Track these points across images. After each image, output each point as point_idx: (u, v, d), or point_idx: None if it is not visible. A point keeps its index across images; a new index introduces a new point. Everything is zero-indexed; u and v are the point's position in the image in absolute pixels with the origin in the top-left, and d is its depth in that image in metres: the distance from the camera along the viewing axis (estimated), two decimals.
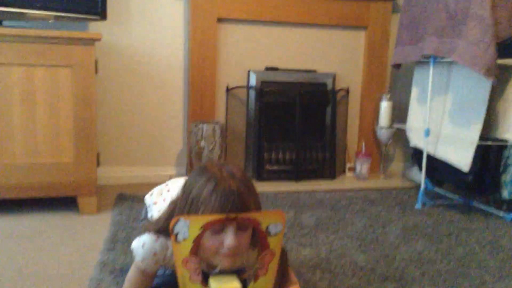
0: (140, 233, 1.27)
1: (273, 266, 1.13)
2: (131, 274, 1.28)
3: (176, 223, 1.02)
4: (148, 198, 1.51)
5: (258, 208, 1.11)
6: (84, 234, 2.01)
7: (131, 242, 1.85)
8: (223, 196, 1.04)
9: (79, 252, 1.83)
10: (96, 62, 2.18)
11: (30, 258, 1.76)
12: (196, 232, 1.03)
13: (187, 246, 1.05)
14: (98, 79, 2.46)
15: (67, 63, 2.09)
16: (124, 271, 1.64)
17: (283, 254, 1.29)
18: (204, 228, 1.03)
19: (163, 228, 1.18)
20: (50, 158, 2.13)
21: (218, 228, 1.06)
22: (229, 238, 1.05)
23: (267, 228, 1.07)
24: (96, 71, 2.20)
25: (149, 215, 1.47)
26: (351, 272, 1.73)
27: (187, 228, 1.02)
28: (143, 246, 1.21)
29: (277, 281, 1.27)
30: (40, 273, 1.64)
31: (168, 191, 1.44)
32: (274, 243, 1.10)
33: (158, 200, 1.44)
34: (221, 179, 1.07)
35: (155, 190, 1.51)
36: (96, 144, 2.21)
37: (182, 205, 1.11)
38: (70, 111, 2.13)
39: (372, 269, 1.76)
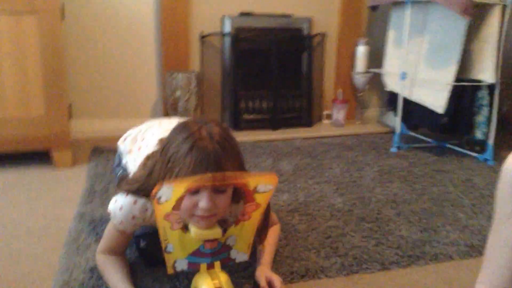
0: (116, 190, 1.24)
1: (256, 214, 1.12)
2: (109, 233, 1.26)
3: (159, 189, 0.99)
4: (122, 145, 1.47)
5: (237, 169, 1.08)
6: (60, 188, 1.98)
7: (109, 194, 1.85)
8: (198, 158, 1.01)
9: (56, 205, 1.80)
10: (62, 8, 2.07)
11: (6, 212, 1.73)
12: (179, 193, 1.01)
13: (169, 205, 1.03)
14: (65, 27, 2.35)
15: (31, 9, 1.98)
16: (103, 221, 1.63)
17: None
18: (188, 189, 1.01)
19: (141, 188, 1.16)
20: (19, 112, 2.07)
21: (193, 189, 1.05)
22: (203, 200, 1.03)
23: (255, 187, 1.06)
24: (63, 17, 2.10)
25: (123, 161, 1.45)
26: (329, 214, 1.76)
27: (170, 191, 1.00)
28: (120, 209, 1.19)
29: (259, 227, 1.28)
30: (17, 227, 1.62)
31: (143, 139, 1.41)
32: (261, 199, 1.09)
33: (133, 148, 1.41)
34: (198, 140, 1.04)
35: (129, 136, 1.47)
36: (67, 95, 2.15)
37: (160, 163, 1.09)
38: (37, 61, 2.04)
39: (349, 211, 1.79)
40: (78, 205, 1.77)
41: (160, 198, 1.01)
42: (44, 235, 1.57)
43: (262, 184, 1.06)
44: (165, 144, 1.11)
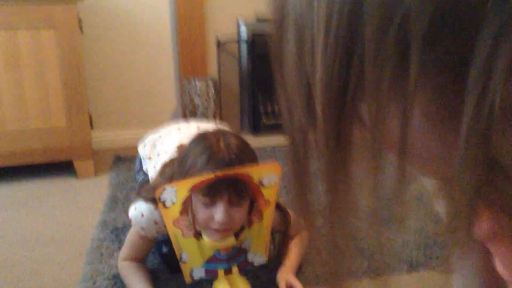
0: (135, 197, 1.24)
1: (269, 213, 1.11)
2: (131, 239, 1.25)
3: (162, 192, 0.99)
4: (141, 150, 1.47)
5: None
6: (83, 197, 2.00)
7: (131, 202, 1.86)
8: (215, 170, 1.01)
9: (78, 215, 1.81)
10: (80, 22, 2.10)
11: (29, 223, 1.75)
12: (184, 195, 1.01)
13: (176, 208, 1.03)
14: (83, 40, 2.38)
15: (50, 24, 2.02)
16: (126, 229, 1.63)
17: (286, 219, 1.28)
18: (192, 190, 1.00)
19: None
20: (41, 123, 2.09)
21: (209, 202, 1.04)
22: (219, 214, 1.02)
23: (260, 180, 1.05)
24: (81, 31, 2.13)
25: (144, 167, 1.45)
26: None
27: (174, 193, 1.00)
28: (142, 215, 1.18)
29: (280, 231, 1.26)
30: (41, 237, 1.63)
31: (162, 144, 1.41)
32: (268, 193, 1.07)
33: (152, 155, 1.41)
34: (216, 151, 1.03)
35: (148, 141, 1.47)
36: (87, 105, 2.17)
37: (177, 174, 1.09)
38: (57, 73, 2.07)
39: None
40: (100, 214, 1.78)
41: (165, 201, 1.00)
42: (67, 244, 1.57)
43: (266, 176, 1.04)
44: (183, 155, 1.11)
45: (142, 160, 1.47)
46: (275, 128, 2.93)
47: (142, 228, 1.19)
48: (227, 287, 1.05)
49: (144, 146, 1.47)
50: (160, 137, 1.44)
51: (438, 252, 1.45)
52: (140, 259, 1.28)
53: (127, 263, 1.26)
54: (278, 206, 1.19)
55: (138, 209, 1.18)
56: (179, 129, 1.45)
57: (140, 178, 1.48)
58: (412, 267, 1.38)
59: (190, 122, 1.51)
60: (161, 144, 1.39)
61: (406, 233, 1.57)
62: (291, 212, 1.30)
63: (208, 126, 1.39)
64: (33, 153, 2.10)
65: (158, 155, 1.39)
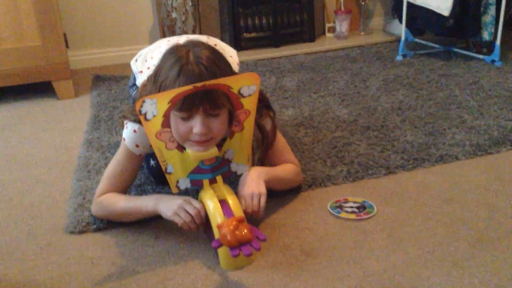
0: (123, 119, 1.23)
1: (249, 123, 1.12)
2: (121, 157, 1.23)
3: (142, 104, 0.99)
4: (133, 65, 1.45)
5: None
6: (66, 118, 1.99)
7: (114, 121, 1.86)
8: (186, 83, 1.00)
9: (63, 135, 1.82)
10: None
11: (15, 144, 1.76)
12: (164, 107, 1.01)
13: (158, 121, 1.04)
14: None
15: None
16: (111, 146, 1.65)
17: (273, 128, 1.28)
18: (172, 102, 1.01)
19: None
20: (15, 43, 2.03)
21: (186, 115, 1.04)
22: (197, 126, 1.04)
23: (239, 90, 1.05)
24: None
25: (137, 82, 1.44)
26: (334, 125, 1.76)
27: (154, 105, 1.00)
28: (134, 131, 1.18)
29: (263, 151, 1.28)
30: (27, 158, 1.65)
31: (152, 58, 1.39)
32: (248, 103, 1.08)
33: (143, 69, 1.40)
34: (185, 64, 1.02)
35: (139, 56, 1.45)
36: (61, 24, 2.09)
37: (153, 91, 1.08)
38: None
39: (355, 121, 1.79)
40: (85, 133, 1.79)
41: (146, 114, 1.01)
42: (54, 164, 1.60)
43: (245, 86, 1.05)
44: (156, 70, 1.10)
45: (135, 75, 1.46)
46: (256, 42, 2.88)
47: (137, 145, 1.20)
48: (212, 196, 1.09)
49: (136, 61, 1.45)
50: (150, 50, 1.42)
51: (416, 155, 1.51)
52: (121, 192, 1.24)
53: (108, 194, 1.22)
54: (257, 123, 1.19)
55: (130, 127, 1.19)
56: (168, 41, 1.43)
57: (133, 93, 1.47)
58: (390, 170, 1.44)
59: (182, 36, 1.48)
60: (151, 59, 1.38)
61: (386, 140, 1.62)
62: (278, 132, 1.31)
63: (197, 37, 1.36)
64: (10, 74, 2.06)
65: (148, 68, 1.37)
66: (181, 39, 1.36)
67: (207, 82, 1.00)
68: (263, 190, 1.16)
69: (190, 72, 1.02)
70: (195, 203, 1.10)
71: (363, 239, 1.14)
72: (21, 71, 2.07)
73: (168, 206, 1.11)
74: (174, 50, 1.08)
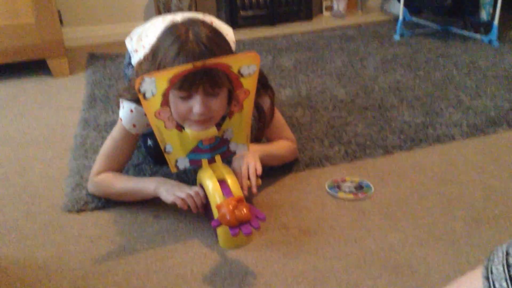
0: (119, 98, 1.21)
1: (248, 103, 1.12)
2: (118, 136, 1.22)
3: (141, 83, 0.98)
4: (129, 44, 1.43)
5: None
6: (61, 96, 1.97)
7: (110, 99, 1.85)
8: (185, 62, 0.99)
9: (59, 113, 1.81)
10: None
11: (10, 123, 1.74)
12: (163, 86, 1.00)
13: (157, 100, 1.02)
14: None
15: None
16: (108, 125, 1.64)
17: (271, 108, 1.27)
18: (171, 81, 0.99)
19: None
20: (8, 21, 2.00)
21: (186, 95, 1.03)
22: (196, 105, 1.03)
23: (239, 70, 1.04)
24: None
25: (132, 61, 1.42)
26: (331, 105, 1.75)
27: (153, 84, 0.99)
28: (131, 111, 1.17)
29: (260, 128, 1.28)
30: (24, 136, 1.64)
31: (147, 36, 1.37)
32: (248, 83, 1.07)
33: (139, 48, 1.38)
34: (185, 43, 1.01)
35: (134, 34, 1.43)
36: (55, 1, 2.06)
37: (152, 68, 1.06)
38: None
39: (352, 101, 1.79)
40: (81, 112, 1.78)
41: (145, 93, 1.00)
42: (51, 142, 1.59)
43: (245, 65, 1.04)
44: (155, 48, 1.08)
45: (131, 54, 1.44)
46: (253, 20, 2.86)
47: (134, 125, 1.19)
48: (212, 176, 1.09)
49: (131, 39, 1.43)
50: (145, 29, 1.40)
51: (413, 135, 1.51)
52: (117, 171, 1.24)
53: (104, 174, 1.23)
54: (254, 102, 1.18)
55: (126, 107, 1.18)
56: (164, 18, 1.40)
57: (129, 72, 1.46)
58: (387, 150, 1.44)
59: (177, 13, 1.46)
60: (146, 37, 1.36)
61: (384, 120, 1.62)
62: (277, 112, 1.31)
63: (193, 15, 1.34)
64: (4, 52, 2.03)
65: (144, 47, 1.36)
66: (177, 16, 1.34)
67: (207, 61, 0.99)
68: (258, 161, 1.18)
69: (190, 51, 1.00)
70: (195, 187, 1.12)
71: (361, 219, 1.15)
72: (15, 49, 2.04)
73: (169, 189, 1.11)
74: (173, 29, 1.06)
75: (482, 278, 0.50)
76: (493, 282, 0.49)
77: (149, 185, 1.16)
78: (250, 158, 1.18)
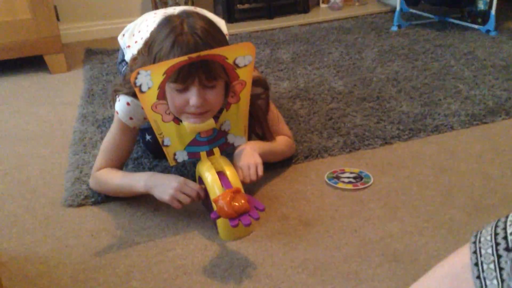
0: (115, 93, 1.21)
1: (245, 94, 1.12)
2: (116, 130, 1.22)
3: (136, 76, 0.97)
4: (121, 40, 1.43)
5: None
6: (59, 92, 1.97)
7: (108, 95, 1.85)
8: (181, 54, 0.99)
9: (56, 109, 1.81)
10: None
11: (9, 119, 1.74)
12: (159, 78, 1.00)
13: (153, 93, 1.02)
14: None
15: None
16: (106, 120, 1.64)
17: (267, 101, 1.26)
18: (167, 74, 0.99)
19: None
20: (5, 17, 1.99)
21: (182, 87, 1.03)
22: (193, 97, 1.02)
23: (234, 61, 1.04)
24: None
25: (126, 57, 1.42)
26: (329, 97, 1.75)
27: (149, 77, 0.99)
28: (128, 104, 1.17)
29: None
30: (22, 132, 1.64)
31: (139, 31, 1.36)
32: (244, 74, 1.07)
33: (131, 43, 1.38)
34: (180, 35, 1.00)
35: (126, 30, 1.43)
36: None
37: (147, 63, 1.06)
38: None
39: (350, 93, 1.79)
40: (79, 107, 1.78)
41: (141, 86, 1.00)
42: (49, 138, 1.59)
43: (240, 56, 1.04)
44: (150, 41, 1.08)
45: (124, 51, 1.43)
46: (250, 13, 2.85)
47: (131, 118, 1.18)
48: (210, 168, 1.09)
49: (123, 35, 1.43)
50: (137, 24, 1.40)
51: (411, 125, 1.51)
52: (118, 166, 1.24)
53: (104, 169, 1.22)
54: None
55: (123, 100, 1.17)
56: (155, 13, 1.40)
57: (122, 68, 1.45)
58: (386, 141, 1.44)
59: (168, 8, 1.46)
60: (138, 32, 1.35)
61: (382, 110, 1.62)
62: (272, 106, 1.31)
63: (185, 9, 1.34)
64: (1, 48, 2.03)
65: (136, 42, 1.36)
66: (168, 10, 1.33)
67: (202, 53, 0.98)
68: (259, 160, 1.17)
69: (185, 43, 1.00)
70: (191, 184, 1.10)
71: (360, 209, 1.16)
72: (12, 45, 2.04)
73: (163, 190, 1.10)
74: (167, 21, 1.06)
75: (470, 243, 0.51)
76: (480, 249, 0.50)
77: (137, 184, 1.15)
78: (251, 157, 1.17)
